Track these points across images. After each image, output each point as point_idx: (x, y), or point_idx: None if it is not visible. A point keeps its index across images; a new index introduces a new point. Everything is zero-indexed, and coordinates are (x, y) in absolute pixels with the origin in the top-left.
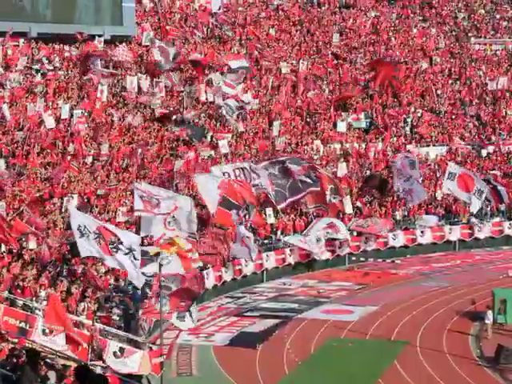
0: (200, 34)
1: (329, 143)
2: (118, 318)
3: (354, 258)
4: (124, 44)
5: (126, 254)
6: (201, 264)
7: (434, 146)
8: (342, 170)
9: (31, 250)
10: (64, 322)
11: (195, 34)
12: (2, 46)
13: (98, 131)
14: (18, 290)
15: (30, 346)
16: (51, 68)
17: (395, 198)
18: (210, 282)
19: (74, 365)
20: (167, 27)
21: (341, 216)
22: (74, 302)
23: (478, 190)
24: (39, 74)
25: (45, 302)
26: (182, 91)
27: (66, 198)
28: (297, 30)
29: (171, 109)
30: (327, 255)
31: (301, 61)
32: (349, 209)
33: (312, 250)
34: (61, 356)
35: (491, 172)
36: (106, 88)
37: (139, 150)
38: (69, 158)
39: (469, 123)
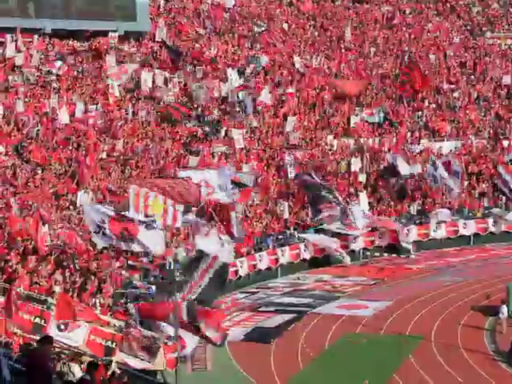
0: (211, 28)
1: (342, 138)
2: (133, 314)
3: (368, 253)
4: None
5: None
6: None
7: (447, 140)
8: (355, 164)
9: (46, 246)
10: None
11: (206, 28)
12: (15, 42)
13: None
14: (33, 286)
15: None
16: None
17: (410, 193)
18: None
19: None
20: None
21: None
22: (88, 298)
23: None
24: (53, 69)
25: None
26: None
27: (79, 193)
28: (310, 25)
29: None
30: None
31: (314, 56)
32: (364, 205)
33: (329, 245)
34: (76, 351)
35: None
36: (117, 82)
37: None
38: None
39: (483, 118)
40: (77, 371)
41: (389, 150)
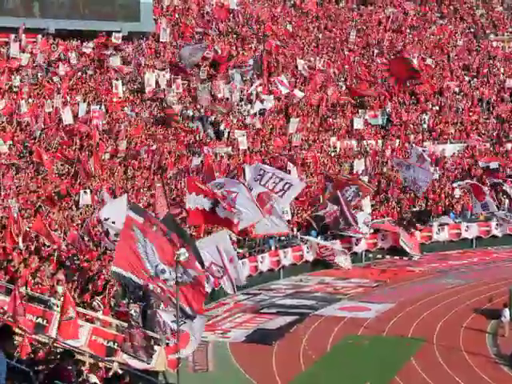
0: (216, 30)
1: (346, 140)
2: (135, 314)
3: (370, 255)
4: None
5: None
6: None
7: (451, 143)
8: (358, 166)
9: (48, 246)
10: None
11: (211, 28)
12: (18, 42)
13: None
14: (36, 286)
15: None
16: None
17: (412, 195)
18: None
19: (90, 361)
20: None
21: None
22: (89, 298)
23: None
24: (57, 70)
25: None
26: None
27: (81, 193)
28: (314, 27)
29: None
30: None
31: (317, 57)
32: (366, 208)
33: (334, 247)
34: (77, 352)
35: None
36: (121, 83)
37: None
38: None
39: (486, 120)
40: (94, 381)
41: (392, 151)
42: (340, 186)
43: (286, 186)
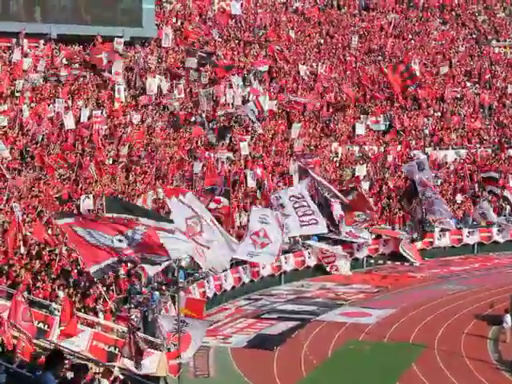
0: (218, 35)
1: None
2: (136, 320)
3: (372, 261)
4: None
5: None
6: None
7: (453, 149)
8: (360, 172)
9: (49, 251)
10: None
11: (212, 34)
12: (21, 47)
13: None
14: (37, 291)
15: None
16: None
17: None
18: (228, 283)
19: (93, 366)
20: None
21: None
22: (91, 303)
23: None
24: (58, 74)
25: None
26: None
27: (82, 198)
28: (316, 33)
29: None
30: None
31: (319, 63)
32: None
33: (336, 252)
34: (79, 357)
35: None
36: (123, 88)
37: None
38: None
39: (488, 126)
40: None
41: (394, 159)
42: (359, 206)
43: (312, 221)
